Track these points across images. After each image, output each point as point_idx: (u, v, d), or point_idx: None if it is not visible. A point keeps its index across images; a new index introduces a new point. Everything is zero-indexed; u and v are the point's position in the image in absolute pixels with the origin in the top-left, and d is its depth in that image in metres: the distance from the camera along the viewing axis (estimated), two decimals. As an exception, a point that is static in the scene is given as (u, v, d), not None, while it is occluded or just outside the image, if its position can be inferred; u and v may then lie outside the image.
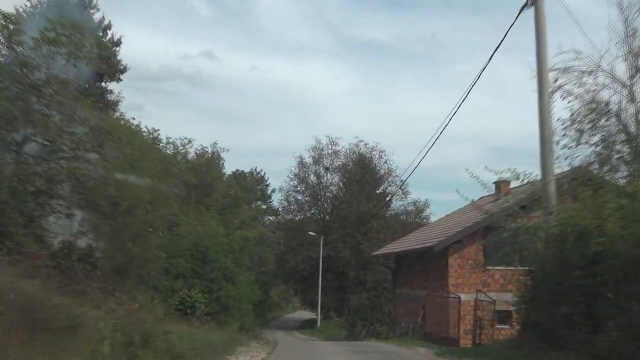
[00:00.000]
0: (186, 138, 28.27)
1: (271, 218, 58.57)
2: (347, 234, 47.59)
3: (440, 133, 15.27)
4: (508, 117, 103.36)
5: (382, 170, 51.60)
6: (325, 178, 51.65)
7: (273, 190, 59.47)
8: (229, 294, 23.38)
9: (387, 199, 51.53)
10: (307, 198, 51.64)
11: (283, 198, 52.79)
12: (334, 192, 52.13)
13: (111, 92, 35.29)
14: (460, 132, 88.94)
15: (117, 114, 34.46)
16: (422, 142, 44.70)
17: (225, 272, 23.77)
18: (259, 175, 67.78)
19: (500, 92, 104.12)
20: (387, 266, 28.75)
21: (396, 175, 49.26)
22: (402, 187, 50.91)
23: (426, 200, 52.82)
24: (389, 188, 51.13)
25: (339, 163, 51.14)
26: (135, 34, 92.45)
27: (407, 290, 25.15)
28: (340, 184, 51.72)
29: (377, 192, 51.69)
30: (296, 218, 52.01)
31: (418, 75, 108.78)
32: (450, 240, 20.05)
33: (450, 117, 14.34)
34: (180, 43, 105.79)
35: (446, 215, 29.22)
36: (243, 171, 48.50)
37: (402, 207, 52.43)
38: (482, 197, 30.13)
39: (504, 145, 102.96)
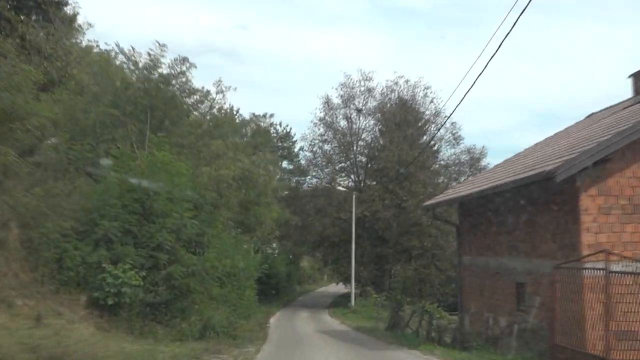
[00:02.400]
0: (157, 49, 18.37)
1: (300, 180, 48.84)
2: (387, 190, 37.89)
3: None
4: (550, 82, 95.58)
5: (427, 112, 41.36)
6: (358, 123, 41.73)
7: (301, 148, 49.59)
8: (191, 270, 14.12)
9: (434, 145, 41.46)
10: (335, 147, 41.95)
11: (307, 149, 43.40)
12: (369, 140, 42.32)
13: (66, 3, 26.86)
14: (502, 98, 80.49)
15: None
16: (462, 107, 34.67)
17: (185, 233, 14.50)
18: (284, 130, 58.28)
19: (540, 57, 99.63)
20: (448, 222, 19.14)
21: (446, 116, 38.97)
22: (454, 132, 41.16)
23: (483, 147, 42.36)
24: (438, 133, 40.75)
25: (374, 104, 41.11)
26: (168, 7, 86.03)
27: (484, 259, 15.43)
28: (376, 129, 41.85)
29: (423, 138, 41.60)
30: (323, 173, 42.60)
31: (455, 41, 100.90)
32: (588, 158, 10.19)
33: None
34: (214, 16, 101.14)
35: (535, 144, 19.12)
36: (254, 113, 39.28)
37: (454, 156, 42.09)
38: (592, 114, 20.17)
39: (547, 111, 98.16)
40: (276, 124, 55.57)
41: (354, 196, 36.20)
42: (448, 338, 15.58)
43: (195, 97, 19.25)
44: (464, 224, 17.43)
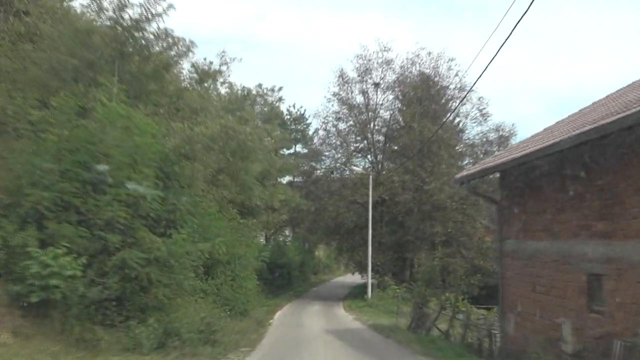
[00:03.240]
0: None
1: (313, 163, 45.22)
2: (407, 171, 34.35)
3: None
4: (572, 69, 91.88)
5: (452, 86, 37.53)
6: (375, 98, 38.07)
7: (315, 131, 46.02)
8: (154, 256, 10.80)
9: (459, 123, 37.86)
10: (351, 125, 38.42)
11: (321, 127, 39.95)
12: (387, 117, 38.70)
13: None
14: (522, 86, 76.66)
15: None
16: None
17: (144, 207, 11.18)
18: (298, 112, 54.79)
19: (561, 43, 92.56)
20: (488, 197, 15.66)
21: (473, 90, 35.05)
22: (481, 109, 37.33)
23: (512, 124, 38.44)
24: (463, 109, 36.96)
25: (392, 77, 37.40)
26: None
27: (537, 244, 11.94)
28: (396, 105, 38.23)
29: (447, 116, 37.85)
30: (337, 153, 39.17)
31: (477, 27, 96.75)
32: None
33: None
34: (232, 5, 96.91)
35: (593, 103, 15.43)
36: (260, 84, 35.76)
37: (481, 134, 38.23)
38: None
39: (569, 98, 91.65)
40: (290, 106, 52.30)
41: (370, 178, 32.78)
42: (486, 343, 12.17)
43: (177, 48, 15.87)
44: (507, 199, 13.88)
